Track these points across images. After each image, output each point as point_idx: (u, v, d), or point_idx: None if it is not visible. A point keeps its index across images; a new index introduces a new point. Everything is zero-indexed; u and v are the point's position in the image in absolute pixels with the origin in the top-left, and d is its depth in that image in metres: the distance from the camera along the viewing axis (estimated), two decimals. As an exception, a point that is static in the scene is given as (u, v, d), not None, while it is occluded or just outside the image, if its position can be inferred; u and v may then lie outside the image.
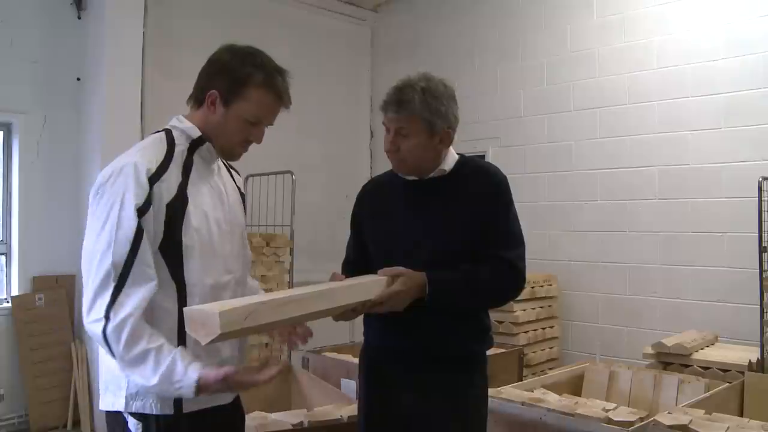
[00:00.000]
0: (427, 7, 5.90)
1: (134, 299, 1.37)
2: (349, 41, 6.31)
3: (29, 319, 4.37)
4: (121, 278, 1.37)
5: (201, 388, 1.36)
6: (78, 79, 4.63)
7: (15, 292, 4.46)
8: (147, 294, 1.39)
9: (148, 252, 1.40)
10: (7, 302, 4.44)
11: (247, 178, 4.81)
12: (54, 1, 4.55)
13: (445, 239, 1.79)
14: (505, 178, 1.87)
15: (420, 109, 1.75)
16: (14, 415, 4.34)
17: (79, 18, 4.60)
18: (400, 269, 1.71)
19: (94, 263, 1.39)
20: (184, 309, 1.39)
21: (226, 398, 1.59)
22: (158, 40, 4.77)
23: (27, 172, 4.50)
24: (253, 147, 1.64)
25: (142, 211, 1.40)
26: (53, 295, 4.49)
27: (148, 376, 1.36)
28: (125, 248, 1.38)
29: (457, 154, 1.90)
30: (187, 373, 1.36)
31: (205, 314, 1.31)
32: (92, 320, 1.37)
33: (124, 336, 1.35)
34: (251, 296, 1.60)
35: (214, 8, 5.20)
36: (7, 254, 4.53)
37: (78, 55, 4.61)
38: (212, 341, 1.30)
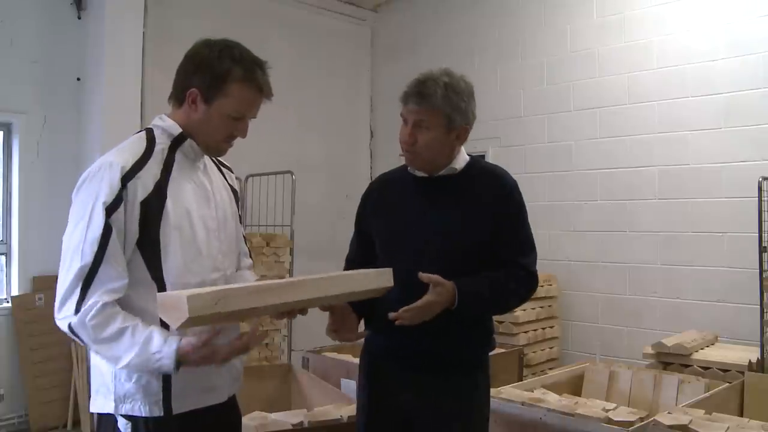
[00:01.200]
0: (427, 6, 5.90)
1: (101, 292, 1.37)
2: (349, 41, 6.31)
3: (29, 319, 4.36)
4: (89, 277, 1.38)
5: (181, 357, 1.34)
6: (78, 79, 4.63)
7: (15, 292, 4.45)
8: (115, 288, 1.39)
9: (118, 250, 1.40)
10: (7, 302, 4.43)
11: (247, 178, 4.80)
12: (54, 1, 4.55)
13: (456, 237, 1.78)
14: (515, 181, 1.88)
15: (441, 103, 1.75)
16: (14, 415, 4.34)
17: (79, 18, 4.60)
18: (439, 278, 1.66)
19: (66, 261, 1.41)
20: (158, 294, 1.38)
21: (219, 397, 1.57)
22: (158, 40, 4.76)
23: (27, 172, 4.49)
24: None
25: (110, 209, 1.39)
26: (53, 295, 4.46)
27: (124, 351, 1.35)
28: (93, 247, 1.38)
29: (468, 155, 1.90)
30: (166, 343, 1.35)
31: (176, 298, 1.31)
32: (62, 317, 1.40)
33: (91, 321, 1.35)
34: (233, 283, 1.55)
35: (214, 8, 5.19)
36: (7, 254, 4.53)
37: (78, 55, 4.60)
38: (182, 325, 1.30)
